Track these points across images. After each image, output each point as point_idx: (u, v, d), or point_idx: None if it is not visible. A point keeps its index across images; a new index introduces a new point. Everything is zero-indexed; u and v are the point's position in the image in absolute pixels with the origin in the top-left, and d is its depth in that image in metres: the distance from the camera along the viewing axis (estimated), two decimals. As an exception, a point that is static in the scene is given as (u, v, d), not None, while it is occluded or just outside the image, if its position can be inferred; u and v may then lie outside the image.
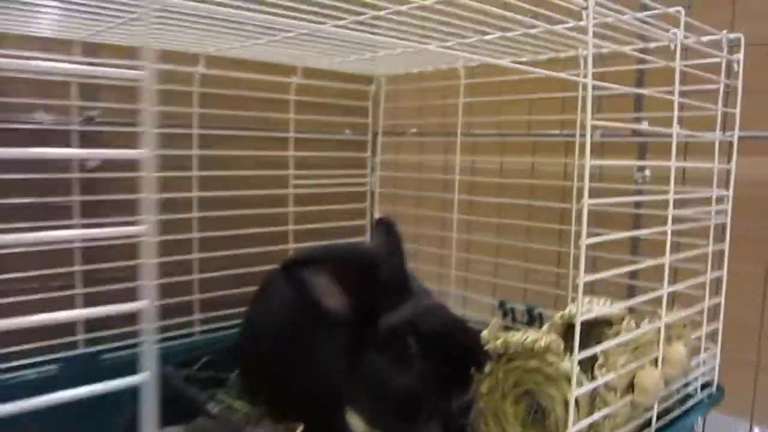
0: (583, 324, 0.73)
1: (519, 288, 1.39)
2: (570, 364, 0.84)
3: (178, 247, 1.35)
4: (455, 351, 0.86)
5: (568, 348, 0.84)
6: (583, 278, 0.72)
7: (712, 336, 1.03)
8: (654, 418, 0.89)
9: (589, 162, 0.73)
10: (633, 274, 1.10)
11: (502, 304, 1.29)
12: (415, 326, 0.86)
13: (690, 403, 0.98)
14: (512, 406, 0.91)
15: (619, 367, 0.82)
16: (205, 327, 1.39)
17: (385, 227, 1.01)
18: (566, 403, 0.83)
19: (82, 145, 1.23)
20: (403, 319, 0.87)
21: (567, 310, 1.00)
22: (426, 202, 1.57)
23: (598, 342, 0.83)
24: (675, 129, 0.86)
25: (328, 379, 0.94)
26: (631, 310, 0.94)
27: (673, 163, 0.87)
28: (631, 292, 1.20)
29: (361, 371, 0.88)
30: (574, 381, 0.74)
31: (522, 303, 1.31)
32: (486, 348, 0.89)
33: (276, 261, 0.94)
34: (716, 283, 1.03)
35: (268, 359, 1.09)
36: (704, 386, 1.03)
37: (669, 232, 0.87)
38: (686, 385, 0.98)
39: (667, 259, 0.87)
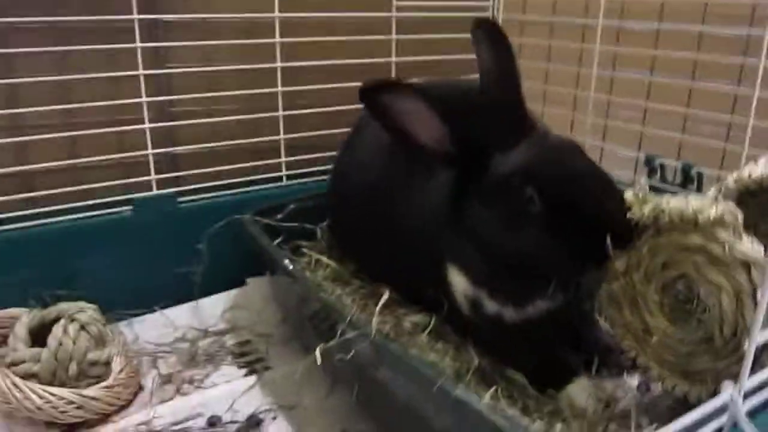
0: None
1: (673, 139, 1.15)
2: (751, 244, 0.60)
3: (258, 79, 1.18)
4: (589, 214, 0.69)
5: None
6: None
7: None
8: None
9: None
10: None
11: (649, 160, 1.04)
12: (536, 175, 0.70)
13: None
14: (658, 293, 0.69)
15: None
16: (293, 171, 1.25)
17: (490, 35, 0.78)
18: (740, 298, 0.61)
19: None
20: (522, 164, 0.71)
21: (747, 171, 0.74)
22: (561, 30, 1.35)
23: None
24: None
25: (425, 230, 0.83)
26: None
27: None
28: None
29: (467, 223, 0.76)
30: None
31: (675, 159, 1.06)
32: (630, 215, 0.68)
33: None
34: None
35: (358, 210, 0.97)
36: None
37: None
38: None
39: None
